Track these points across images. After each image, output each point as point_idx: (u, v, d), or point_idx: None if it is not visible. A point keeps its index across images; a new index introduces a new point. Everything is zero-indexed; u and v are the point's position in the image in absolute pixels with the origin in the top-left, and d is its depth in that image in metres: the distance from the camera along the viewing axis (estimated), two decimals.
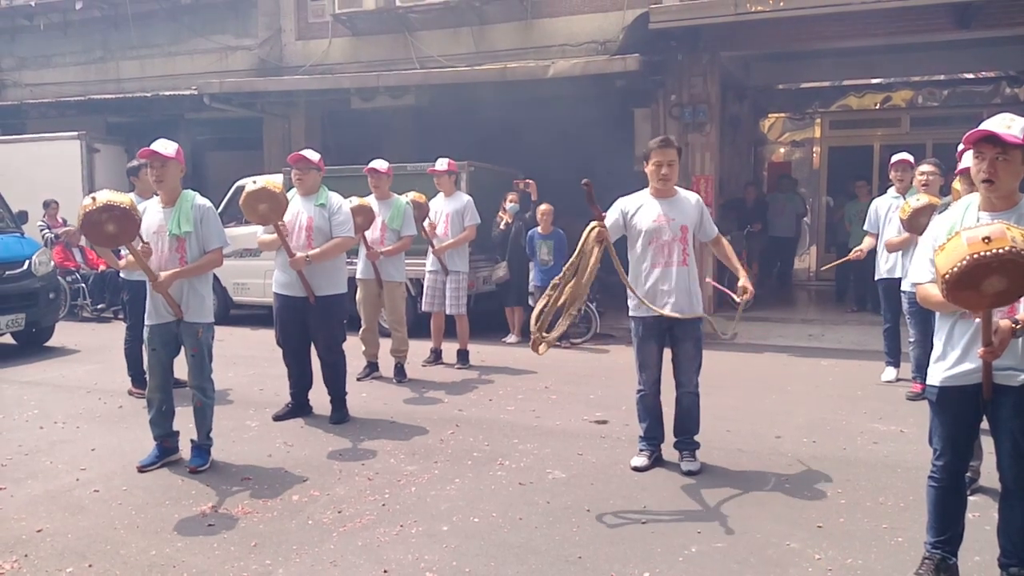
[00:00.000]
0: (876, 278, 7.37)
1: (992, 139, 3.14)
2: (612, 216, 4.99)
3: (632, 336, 5.19)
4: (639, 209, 5.01)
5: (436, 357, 8.48)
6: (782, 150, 15.83)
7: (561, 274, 4.59)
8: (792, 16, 9.52)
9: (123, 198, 4.72)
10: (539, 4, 12.12)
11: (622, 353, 9.20)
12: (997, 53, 11.86)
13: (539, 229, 9.59)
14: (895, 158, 7.23)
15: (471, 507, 4.46)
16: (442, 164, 8.39)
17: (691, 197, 5.12)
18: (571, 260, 4.58)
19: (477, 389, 7.36)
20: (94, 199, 4.65)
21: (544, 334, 4.61)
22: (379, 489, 4.75)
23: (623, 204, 5.08)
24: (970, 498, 4.08)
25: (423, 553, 3.89)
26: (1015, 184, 3.21)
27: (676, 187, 5.10)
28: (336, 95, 12.88)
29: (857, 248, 7.58)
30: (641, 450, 5.20)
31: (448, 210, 8.30)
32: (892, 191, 7.20)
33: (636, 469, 5.06)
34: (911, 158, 7.14)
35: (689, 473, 4.99)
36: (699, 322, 5.05)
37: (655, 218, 4.95)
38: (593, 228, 4.55)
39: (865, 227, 7.40)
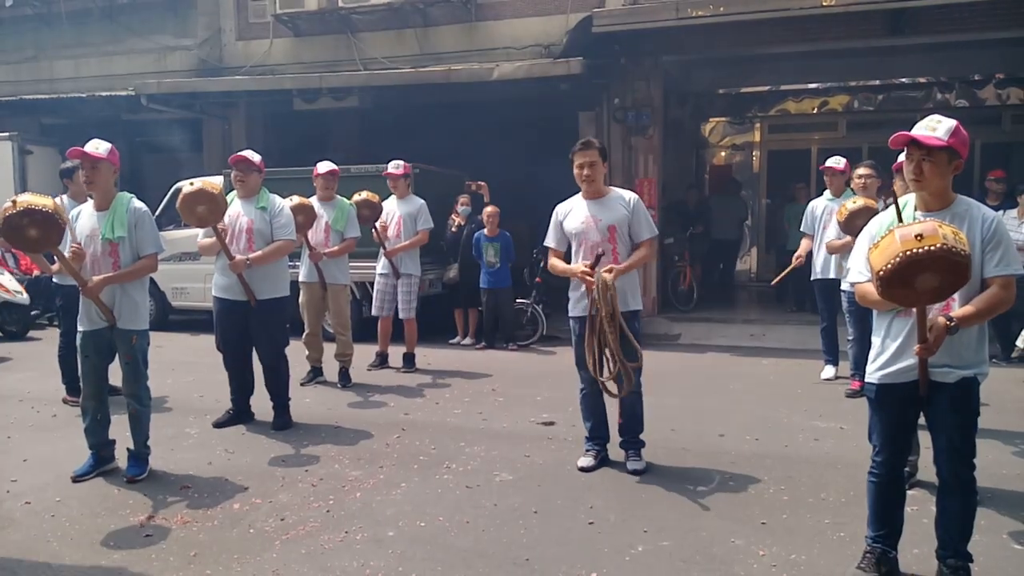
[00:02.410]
0: (812, 278, 7.51)
1: (916, 142, 3.23)
2: (554, 231, 5.17)
3: (572, 335, 5.23)
4: (569, 213, 5.13)
5: (382, 361, 8.40)
6: (723, 153, 16.08)
7: (595, 325, 4.75)
8: (732, 21, 9.67)
9: (45, 201, 4.55)
10: (483, 7, 12.11)
11: (569, 355, 9.15)
12: (930, 59, 12.20)
13: (485, 231, 9.57)
14: (827, 164, 7.39)
15: (417, 511, 4.42)
16: (397, 167, 8.31)
17: (625, 197, 5.10)
18: (597, 309, 4.72)
19: (423, 392, 7.30)
20: (14, 202, 4.48)
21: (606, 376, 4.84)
22: (323, 495, 4.68)
23: (557, 212, 5.20)
24: (908, 492, 4.16)
25: (368, 559, 3.83)
26: (943, 183, 3.29)
27: (612, 187, 5.18)
28: (278, 96, 12.70)
29: (796, 255, 7.62)
30: (587, 451, 5.22)
31: (401, 212, 8.23)
32: (827, 193, 7.36)
33: (583, 470, 5.07)
34: (840, 165, 7.26)
35: (635, 472, 5.01)
36: (633, 317, 5.04)
37: (583, 220, 5.03)
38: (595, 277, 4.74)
39: (801, 228, 7.53)
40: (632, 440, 5.17)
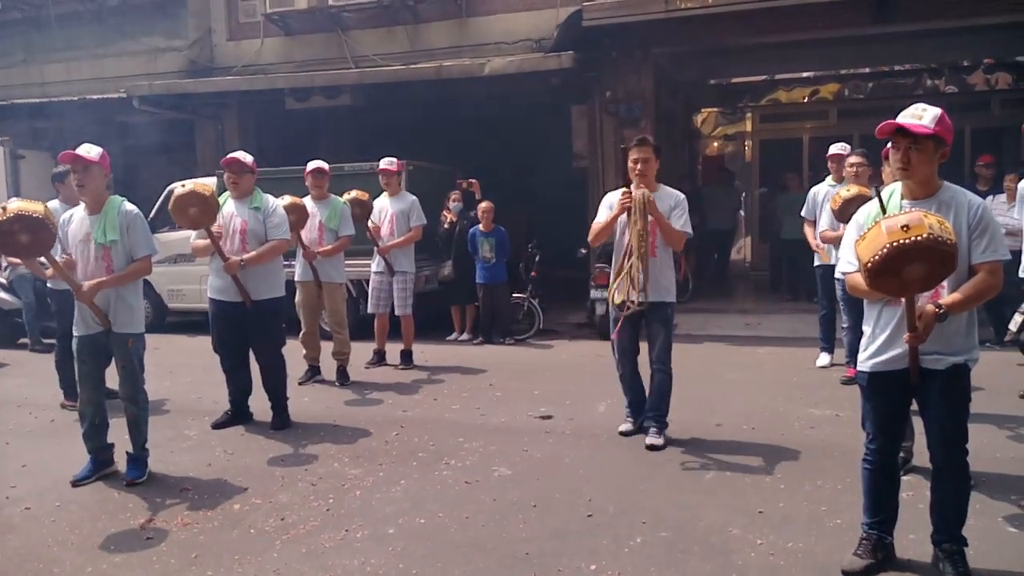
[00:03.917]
0: (815, 264, 7.47)
1: (903, 130, 3.24)
2: (603, 212, 5.53)
3: (611, 322, 5.63)
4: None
5: (380, 358, 8.42)
6: (716, 144, 16.09)
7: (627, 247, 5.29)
8: (721, 12, 9.67)
9: (36, 207, 4.55)
10: (474, 2, 12.10)
11: (566, 348, 9.27)
12: (918, 46, 12.21)
13: (480, 227, 9.58)
14: (831, 150, 7.37)
15: (417, 508, 4.45)
16: (391, 163, 8.30)
17: (674, 195, 5.49)
18: (631, 228, 5.23)
19: (421, 389, 7.32)
20: (4, 209, 4.48)
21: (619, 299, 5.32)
22: (323, 494, 4.70)
23: (608, 199, 5.56)
24: (904, 478, 4.21)
25: (369, 557, 3.86)
26: (930, 171, 3.31)
27: (662, 185, 5.52)
28: (270, 96, 12.67)
29: (817, 245, 7.44)
30: (627, 417, 5.71)
31: (393, 210, 8.22)
32: (830, 179, 7.34)
33: (622, 434, 5.58)
34: (844, 151, 7.27)
35: (651, 447, 5.34)
36: (668, 307, 5.48)
37: None
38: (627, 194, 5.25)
39: (803, 213, 7.48)
40: (657, 416, 5.50)
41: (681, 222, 5.43)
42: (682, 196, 5.52)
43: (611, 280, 5.51)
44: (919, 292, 3.15)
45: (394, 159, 8.36)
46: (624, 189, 5.33)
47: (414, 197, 8.39)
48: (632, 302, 5.26)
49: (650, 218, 5.27)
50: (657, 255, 5.37)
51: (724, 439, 5.52)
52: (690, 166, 15.36)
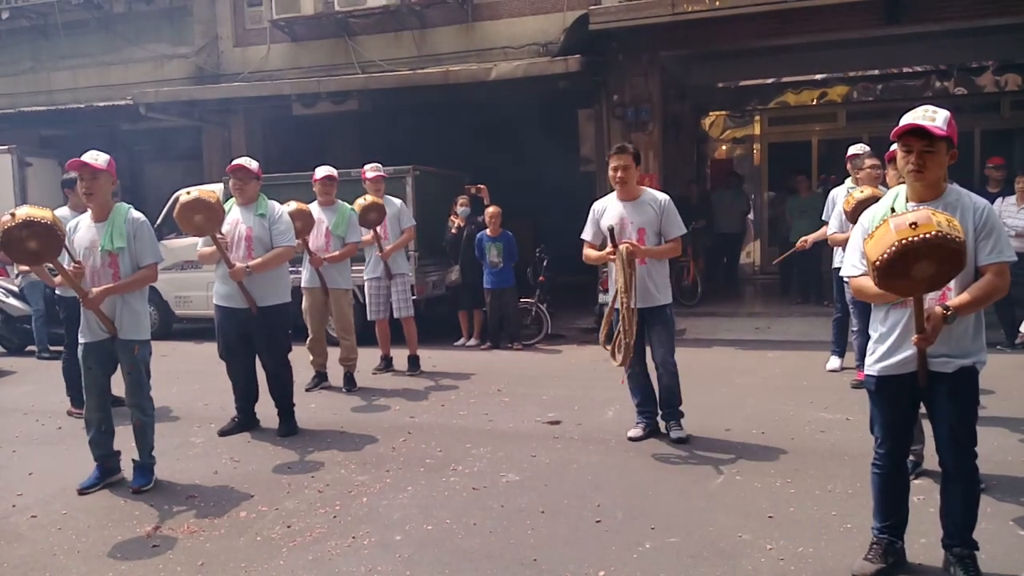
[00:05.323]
0: (833, 266, 7.40)
1: (919, 132, 3.21)
2: (591, 226, 5.63)
3: (615, 326, 5.57)
4: (605, 211, 5.57)
5: (386, 364, 8.40)
6: (724, 147, 16.04)
7: (614, 296, 5.32)
8: (728, 15, 9.65)
9: (44, 213, 4.56)
10: (480, 7, 12.11)
11: (574, 353, 9.24)
12: (927, 47, 12.16)
13: (488, 231, 9.56)
14: (850, 151, 7.30)
15: (424, 515, 4.42)
16: (379, 168, 8.25)
17: (657, 199, 5.51)
18: (618, 282, 5.25)
19: (429, 395, 7.30)
20: (13, 215, 4.48)
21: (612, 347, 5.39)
22: (330, 501, 4.68)
23: (595, 208, 5.61)
24: (914, 481, 4.18)
25: (376, 564, 3.84)
26: (942, 173, 3.30)
27: (645, 188, 5.57)
28: (277, 102, 12.69)
29: (803, 238, 7.60)
30: (637, 423, 5.70)
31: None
32: (848, 181, 7.26)
33: (631, 439, 5.56)
34: (861, 151, 7.18)
35: (678, 441, 5.47)
36: (665, 308, 5.54)
37: (616, 220, 5.44)
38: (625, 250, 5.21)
39: (823, 216, 7.37)
40: (671, 412, 5.63)
41: (672, 226, 5.50)
42: (666, 198, 5.56)
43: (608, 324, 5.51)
44: (928, 291, 3.13)
45: (380, 164, 8.32)
46: (610, 250, 5.28)
47: (400, 201, 8.43)
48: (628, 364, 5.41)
49: (640, 228, 5.39)
50: (647, 262, 5.42)
51: (733, 444, 5.48)
52: (698, 170, 15.31)
